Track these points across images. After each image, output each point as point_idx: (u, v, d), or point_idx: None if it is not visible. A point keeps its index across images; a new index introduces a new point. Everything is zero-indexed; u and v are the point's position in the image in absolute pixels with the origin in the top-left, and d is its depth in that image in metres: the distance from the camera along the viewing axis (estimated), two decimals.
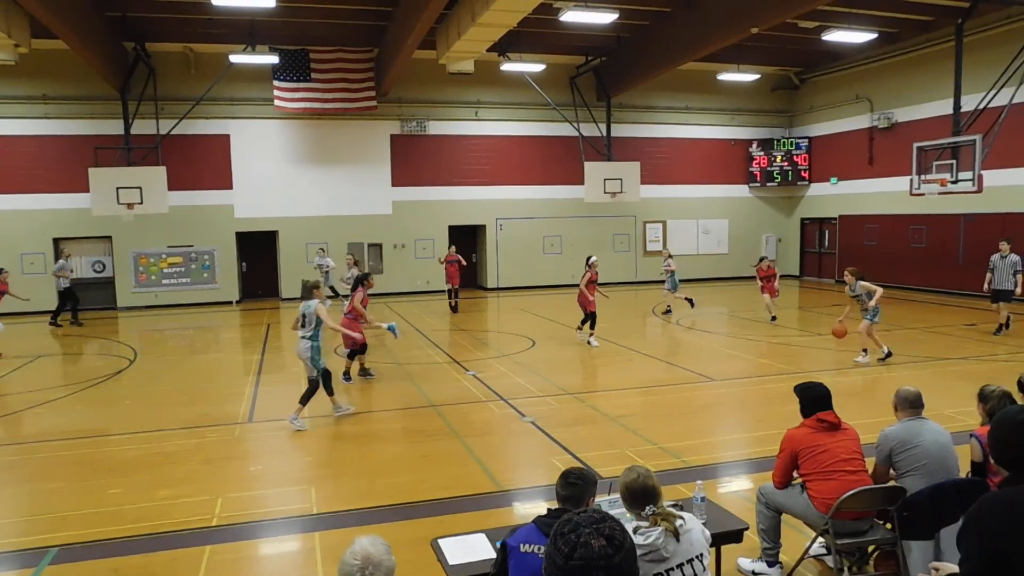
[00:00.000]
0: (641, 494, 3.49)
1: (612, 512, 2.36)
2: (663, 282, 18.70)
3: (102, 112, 21.03)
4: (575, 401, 10.16)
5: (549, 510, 3.52)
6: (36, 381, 12.68)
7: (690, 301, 18.55)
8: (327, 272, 20.62)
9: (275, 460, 8.21)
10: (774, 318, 16.61)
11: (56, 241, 21.53)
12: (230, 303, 22.50)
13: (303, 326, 9.05)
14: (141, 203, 19.45)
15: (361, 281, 11.65)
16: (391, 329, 10.60)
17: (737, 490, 6.94)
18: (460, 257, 20.25)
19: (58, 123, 21.04)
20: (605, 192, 22.88)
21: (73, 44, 17.05)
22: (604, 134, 24.14)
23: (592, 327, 14.30)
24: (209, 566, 5.50)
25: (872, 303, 11.77)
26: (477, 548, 4.24)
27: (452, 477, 7.23)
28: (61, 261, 19.00)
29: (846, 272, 12.34)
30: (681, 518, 3.41)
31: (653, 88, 24.40)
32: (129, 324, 19.63)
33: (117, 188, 19.29)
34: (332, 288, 20.08)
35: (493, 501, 6.77)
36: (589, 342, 14.16)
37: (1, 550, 5.92)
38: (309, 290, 9.14)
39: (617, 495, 3.88)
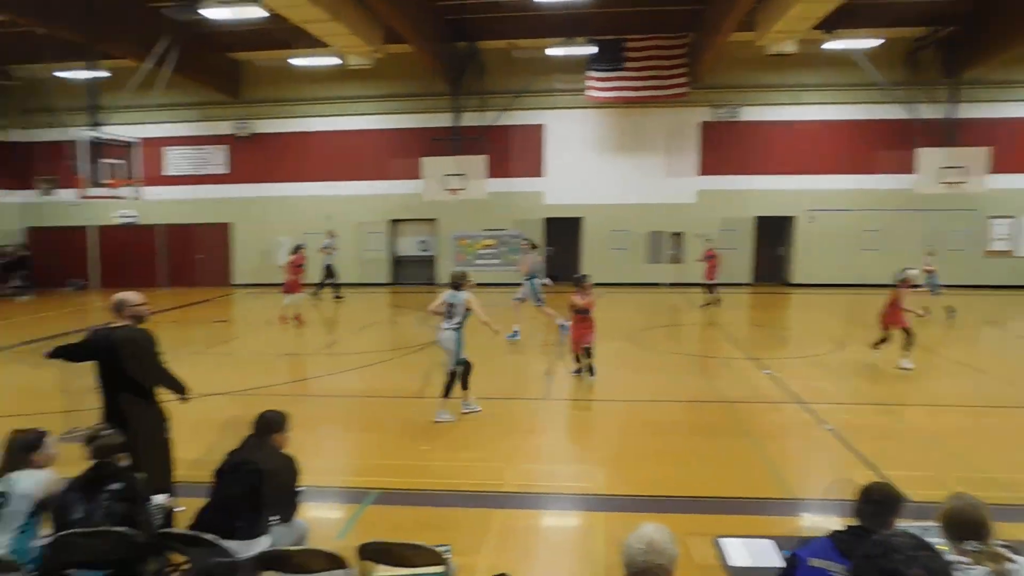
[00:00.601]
0: (967, 526, 3.06)
1: None
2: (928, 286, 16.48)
3: (436, 107, 23.37)
4: (884, 413, 9.18)
5: (849, 527, 3.23)
6: (368, 344, 14.61)
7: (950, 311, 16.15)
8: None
9: (567, 438, 8.55)
10: None
11: (393, 222, 24.52)
12: None
13: (450, 316, 8.70)
14: (464, 189, 21.36)
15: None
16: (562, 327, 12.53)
17: None
18: (717, 252, 18.86)
19: (399, 118, 23.87)
20: (941, 183, 20.23)
21: (418, 47, 19.16)
22: (946, 116, 21.31)
23: (908, 347, 11.40)
24: (499, 529, 5.89)
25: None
26: (761, 553, 4.06)
27: (739, 476, 6.94)
28: (327, 240, 20.98)
29: None
30: (1011, 561, 2.92)
31: (1016, 60, 20.83)
32: None
33: (444, 175, 21.39)
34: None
35: (781, 508, 6.38)
36: (901, 365, 11.31)
37: (335, 484, 6.95)
38: (459, 280, 8.82)
39: (931, 523, 3.44)
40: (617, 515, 6.15)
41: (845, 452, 7.53)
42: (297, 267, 16.52)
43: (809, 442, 8.07)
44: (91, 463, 4.29)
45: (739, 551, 4.18)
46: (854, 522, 3.27)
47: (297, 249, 16.97)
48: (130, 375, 5.46)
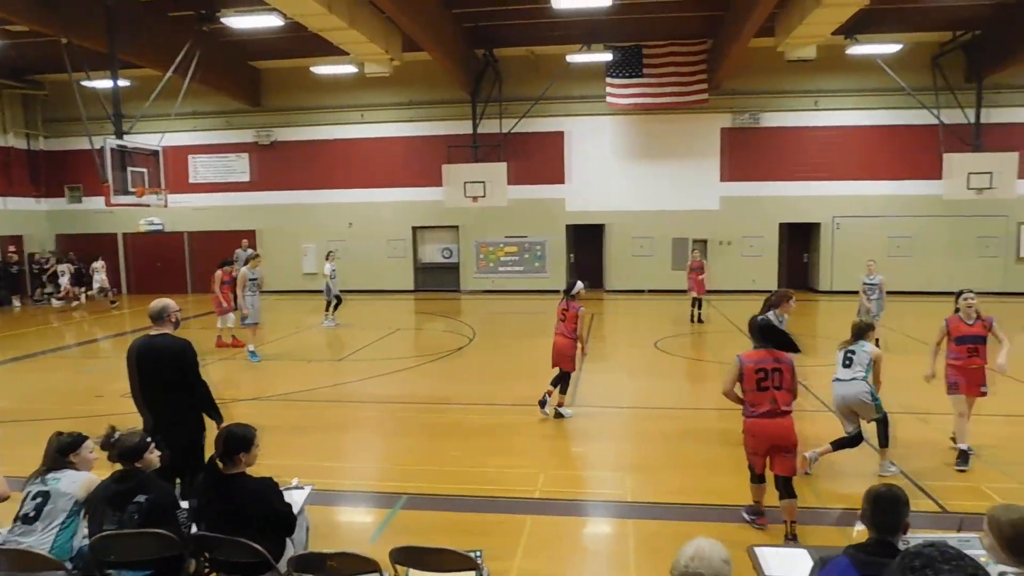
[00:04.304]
0: None
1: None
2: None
3: (455, 114, 23.45)
4: (919, 422, 9.02)
5: (866, 542, 3.07)
6: (396, 350, 14.63)
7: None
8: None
9: (595, 444, 8.49)
10: None
11: (416, 229, 24.59)
12: (557, 292, 23.74)
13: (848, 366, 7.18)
14: (485, 196, 21.38)
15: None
16: None
17: None
18: (704, 263, 17.79)
19: (419, 125, 23.97)
20: (969, 188, 19.98)
21: (435, 55, 19.22)
22: (972, 121, 21.06)
23: None
24: (531, 534, 5.86)
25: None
26: (796, 563, 3.98)
27: (771, 486, 6.85)
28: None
29: None
30: None
31: None
32: (470, 306, 21.71)
33: (465, 183, 21.43)
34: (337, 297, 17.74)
35: (815, 517, 6.29)
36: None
37: (367, 489, 6.96)
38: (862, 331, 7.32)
39: (971, 534, 3.36)
40: (648, 522, 6.12)
41: (876, 461, 7.40)
42: (223, 284, 14.43)
43: (842, 452, 7.95)
44: (117, 469, 4.26)
45: (774, 560, 4.11)
46: (867, 534, 3.10)
47: (223, 264, 14.86)
48: (170, 382, 5.43)
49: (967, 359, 7.39)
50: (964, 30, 20.32)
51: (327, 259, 17.68)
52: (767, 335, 5.84)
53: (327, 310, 17.62)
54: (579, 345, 9.18)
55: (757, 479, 5.97)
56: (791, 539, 5.53)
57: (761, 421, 5.65)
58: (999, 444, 8.10)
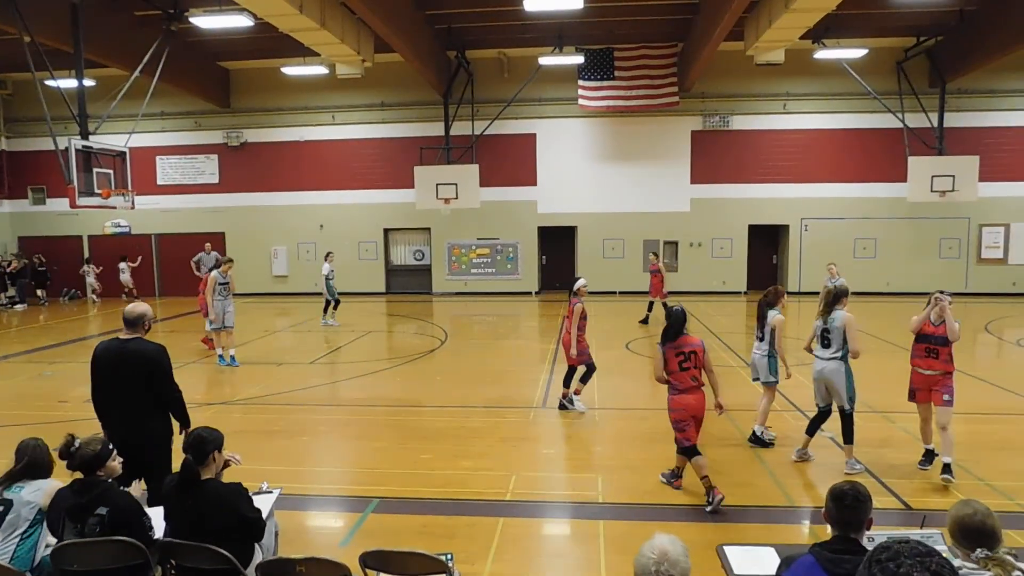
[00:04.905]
0: (977, 533, 3.03)
1: None
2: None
3: (427, 116, 23.39)
4: (883, 420, 9.19)
5: (831, 539, 3.11)
6: (366, 353, 14.57)
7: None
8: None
9: (565, 446, 8.53)
10: None
11: (387, 231, 24.48)
12: (529, 293, 23.82)
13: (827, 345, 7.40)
14: (456, 198, 21.34)
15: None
16: None
17: None
18: (660, 266, 17.57)
19: (391, 127, 23.87)
20: (933, 191, 20.36)
21: (407, 56, 19.16)
22: (935, 125, 21.47)
23: None
24: (502, 536, 5.87)
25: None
26: (764, 561, 4.04)
27: (741, 485, 6.93)
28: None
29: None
30: (1019, 570, 2.91)
31: (1002, 69, 21.09)
32: (442, 308, 21.67)
33: (437, 184, 21.38)
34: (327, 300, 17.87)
35: (784, 516, 6.39)
36: None
37: (337, 493, 6.93)
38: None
39: (934, 531, 3.43)
40: (618, 523, 6.16)
41: (842, 460, 7.51)
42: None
43: (809, 450, 8.06)
44: (76, 478, 4.13)
45: (742, 559, 4.17)
46: (832, 532, 3.14)
47: (213, 267, 14.40)
48: (142, 387, 5.32)
49: (924, 359, 7.28)
50: (928, 36, 20.70)
51: (326, 259, 17.91)
52: (672, 326, 6.74)
53: (331, 309, 17.81)
54: (575, 341, 9.44)
55: (694, 453, 6.55)
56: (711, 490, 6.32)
57: (685, 397, 6.56)
58: (961, 442, 8.25)
